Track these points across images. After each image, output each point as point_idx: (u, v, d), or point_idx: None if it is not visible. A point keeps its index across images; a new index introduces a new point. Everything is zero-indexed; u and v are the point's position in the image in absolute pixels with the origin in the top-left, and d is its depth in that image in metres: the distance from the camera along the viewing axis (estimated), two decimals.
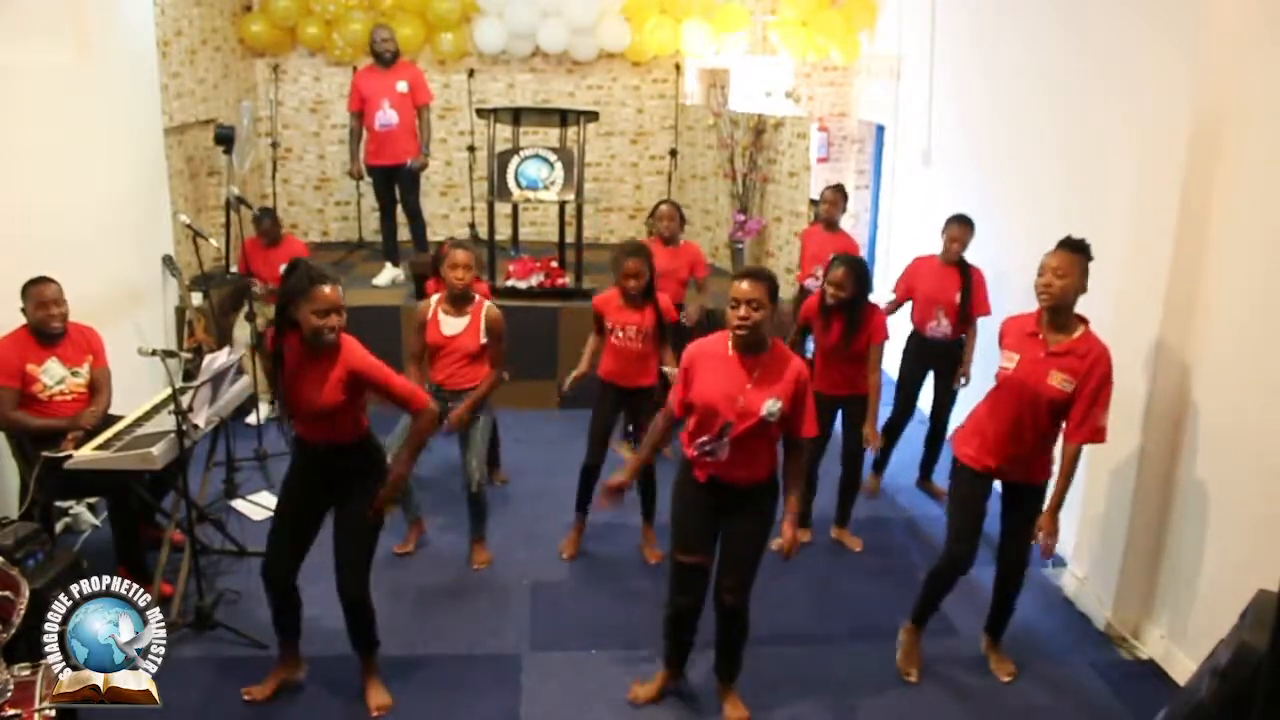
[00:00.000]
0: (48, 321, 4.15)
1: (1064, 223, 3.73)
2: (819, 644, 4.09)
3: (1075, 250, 3.46)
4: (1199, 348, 3.80)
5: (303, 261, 3.32)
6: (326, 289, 3.19)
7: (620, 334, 4.46)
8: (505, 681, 3.76)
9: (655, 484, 4.61)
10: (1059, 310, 3.47)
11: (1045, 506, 3.57)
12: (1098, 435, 3.49)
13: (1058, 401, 3.48)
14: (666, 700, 3.68)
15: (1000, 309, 3.76)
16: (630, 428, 4.88)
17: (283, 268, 6.14)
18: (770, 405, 3.20)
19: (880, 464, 5.54)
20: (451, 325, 4.39)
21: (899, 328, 5.33)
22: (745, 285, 3.18)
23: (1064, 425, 3.52)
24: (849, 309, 4.48)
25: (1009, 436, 3.57)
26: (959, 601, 4.21)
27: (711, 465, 3.30)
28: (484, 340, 4.40)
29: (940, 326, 5.11)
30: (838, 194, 5.81)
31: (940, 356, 5.20)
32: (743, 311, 3.17)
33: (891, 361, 5.41)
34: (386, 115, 6.76)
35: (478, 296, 4.45)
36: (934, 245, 5.21)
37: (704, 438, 3.27)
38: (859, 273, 4.48)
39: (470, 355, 4.41)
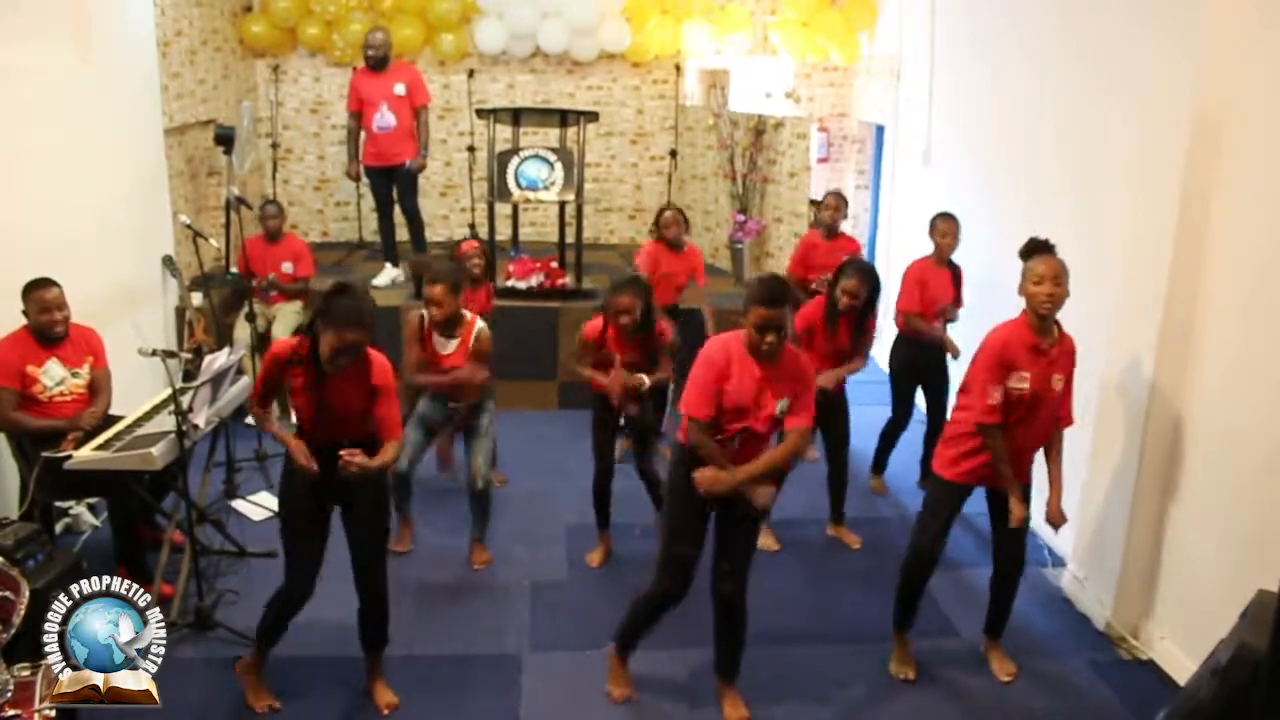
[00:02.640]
0: (50, 326, 4.15)
1: (1064, 223, 3.74)
2: (819, 643, 4.09)
3: (1050, 252, 3.53)
4: (1199, 348, 3.80)
5: (354, 291, 3.30)
6: (349, 335, 3.23)
7: (619, 360, 4.40)
8: (505, 682, 3.76)
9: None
10: (1051, 316, 3.50)
11: (1051, 496, 3.66)
12: (1072, 417, 3.68)
13: (1058, 402, 3.56)
14: (667, 699, 3.68)
15: (1000, 309, 3.75)
16: (626, 428, 4.88)
17: (285, 265, 6.23)
18: (783, 405, 3.27)
19: (879, 464, 5.55)
20: (444, 346, 4.36)
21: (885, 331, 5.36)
22: (772, 312, 3.13)
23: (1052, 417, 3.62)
24: (858, 314, 4.55)
25: (1029, 451, 3.62)
26: (958, 602, 4.21)
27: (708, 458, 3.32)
28: (470, 359, 4.37)
29: (939, 328, 5.16)
30: (839, 200, 5.86)
31: (935, 356, 5.23)
32: (770, 338, 3.16)
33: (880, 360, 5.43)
34: (384, 118, 6.76)
35: (468, 316, 4.38)
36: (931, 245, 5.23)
37: (720, 436, 3.30)
38: (873, 280, 4.56)
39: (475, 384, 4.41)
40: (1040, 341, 3.51)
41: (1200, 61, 3.67)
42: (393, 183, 6.95)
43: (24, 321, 4.17)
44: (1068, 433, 3.68)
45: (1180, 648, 3.85)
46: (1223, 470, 3.69)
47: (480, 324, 4.39)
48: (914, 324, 5.14)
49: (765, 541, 4.76)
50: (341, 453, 3.27)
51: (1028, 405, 3.53)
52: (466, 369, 4.33)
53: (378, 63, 6.78)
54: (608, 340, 4.38)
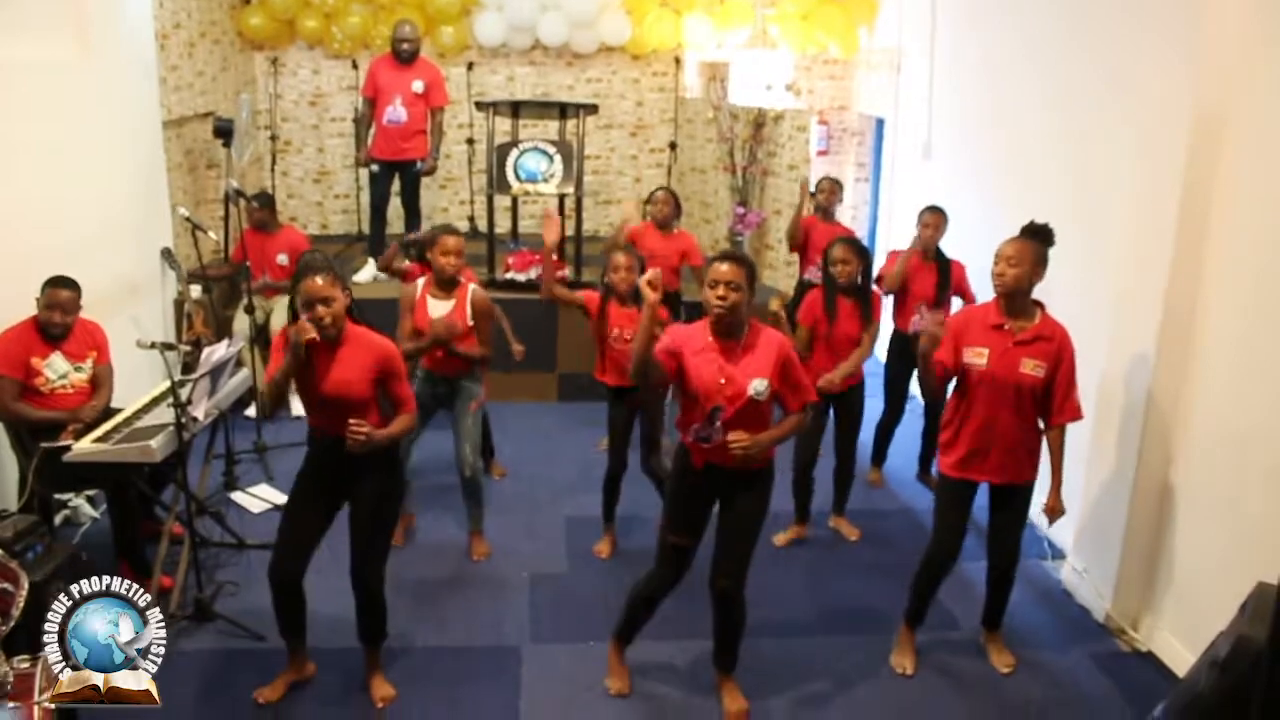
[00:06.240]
0: (48, 321, 4.17)
1: (1064, 220, 3.73)
2: (818, 635, 4.09)
3: (1033, 237, 3.52)
4: (1199, 345, 3.80)
5: (306, 254, 3.33)
6: (313, 280, 3.23)
7: (616, 334, 4.44)
8: (504, 674, 3.77)
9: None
10: (1015, 297, 3.51)
11: (1050, 490, 3.64)
12: (1078, 413, 3.61)
13: (1033, 388, 3.53)
14: (667, 690, 3.69)
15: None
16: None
17: (281, 257, 6.22)
18: (757, 385, 3.23)
19: (878, 457, 5.56)
20: (438, 308, 4.38)
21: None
22: (724, 267, 3.19)
23: (1047, 410, 3.59)
24: (858, 291, 4.53)
25: (990, 432, 3.58)
26: (957, 594, 4.22)
27: (707, 451, 3.31)
28: (471, 321, 4.38)
29: (922, 321, 5.12)
30: (834, 185, 5.88)
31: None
32: (720, 292, 3.18)
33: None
34: (396, 112, 6.70)
35: (463, 279, 4.45)
36: None
37: (696, 425, 3.29)
38: (859, 248, 4.57)
39: (456, 339, 4.39)
40: (1004, 321, 3.52)
41: (1201, 60, 3.67)
42: (396, 177, 6.91)
43: (31, 313, 4.19)
44: (1069, 425, 3.68)
45: (1180, 639, 3.86)
46: (1222, 463, 3.69)
47: (474, 286, 4.43)
48: (889, 282, 5.11)
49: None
50: (350, 420, 3.25)
51: (991, 384, 3.52)
52: (445, 321, 4.31)
53: (409, 56, 6.71)
54: (608, 314, 4.42)
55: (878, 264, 5.37)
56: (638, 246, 5.54)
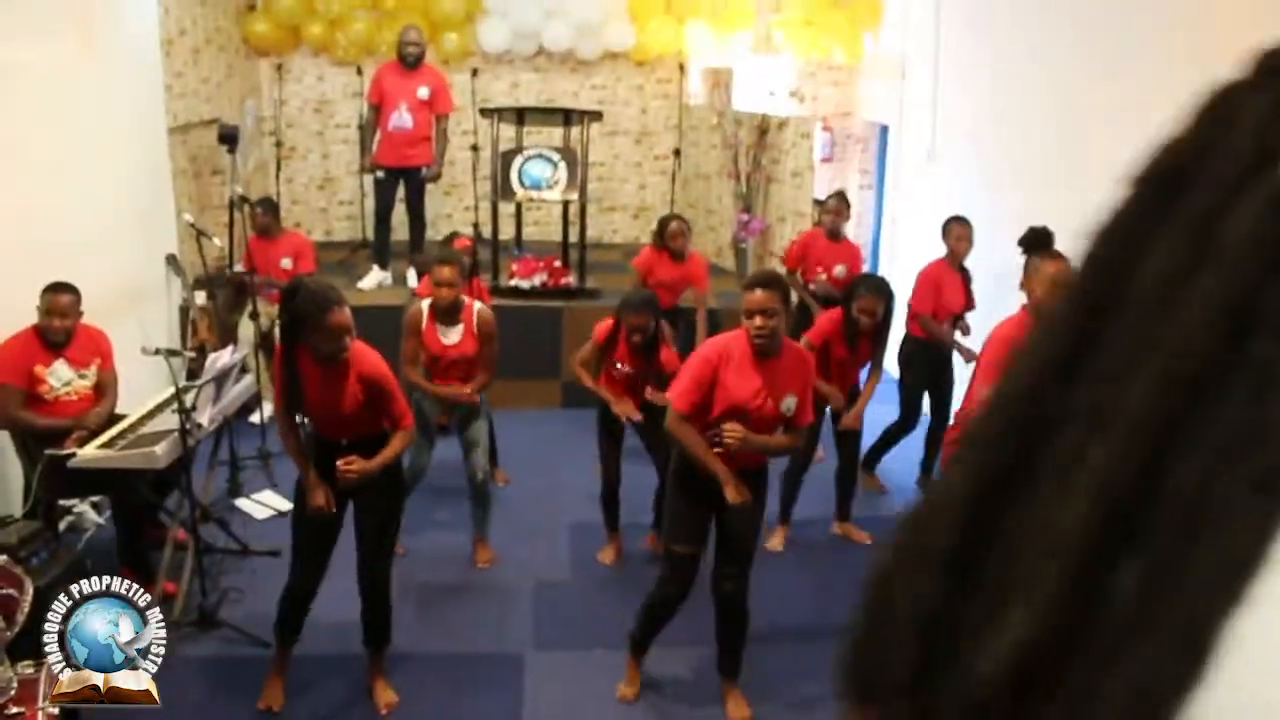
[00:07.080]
0: (48, 327, 4.17)
1: (1070, 223, 3.73)
2: (822, 641, 4.06)
3: (1045, 248, 3.53)
4: None
5: (304, 285, 3.30)
6: (343, 312, 3.23)
7: (618, 366, 4.44)
8: (508, 681, 3.76)
9: None
10: None
11: None
12: None
13: None
14: (671, 698, 3.68)
15: (1008, 309, 3.74)
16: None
17: (285, 261, 6.23)
18: (789, 402, 3.30)
19: (871, 461, 5.52)
20: (448, 335, 4.37)
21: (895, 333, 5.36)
22: (760, 294, 3.19)
23: None
24: (877, 331, 4.55)
25: None
26: None
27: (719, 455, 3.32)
28: (476, 345, 4.38)
29: (949, 331, 5.16)
30: (842, 203, 5.83)
31: (943, 359, 5.22)
32: (759, 322, 3.19)
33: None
34: (401, 118, 6.71)
35: (466, 301, 4.42)
36: (937, 246, 5.21)
37: (711, 431, 3.30)
38: (888, 295, 4.53)
39: (471, 361, 4.40)
40: None
41: (1205, 61, 3.66)
42: (401, 184, 6.92)
43: (35, 320, 4.19)
44: None
45: None
46: None
47: (479, 305, 4.41)
48: (927, 326, 5.12)
49: (773, 543, 4.76)
50: (339, 463, 3.28)
51: None
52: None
53: (414, 61, 6.73)
54: (617, 344, 4.40)
55: (897, 280, 5.34)
56: (650, 276, 5.56)
